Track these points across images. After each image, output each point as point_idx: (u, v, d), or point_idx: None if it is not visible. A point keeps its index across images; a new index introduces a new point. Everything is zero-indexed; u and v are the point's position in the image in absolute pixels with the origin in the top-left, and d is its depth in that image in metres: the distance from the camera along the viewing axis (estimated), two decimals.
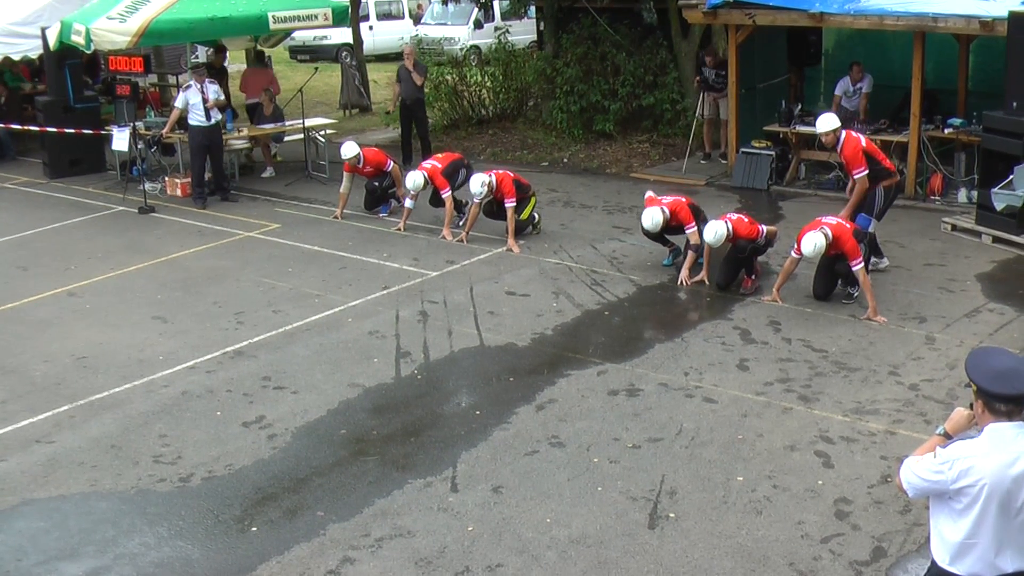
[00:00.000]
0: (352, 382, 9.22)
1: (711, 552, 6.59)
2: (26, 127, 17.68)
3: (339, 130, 19.94)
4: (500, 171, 13.14)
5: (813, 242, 10.21)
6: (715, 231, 10.93)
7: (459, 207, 13.71)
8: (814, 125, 14.79)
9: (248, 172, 17.46)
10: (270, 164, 17.32)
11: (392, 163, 14.60)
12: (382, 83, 23.63)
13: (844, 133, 11.29)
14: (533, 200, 13.33)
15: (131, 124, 16.00)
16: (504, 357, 9.72)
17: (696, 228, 11.40)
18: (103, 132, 16.78)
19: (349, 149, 14.25)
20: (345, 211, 14.42)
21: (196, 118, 15.07)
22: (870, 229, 11.19)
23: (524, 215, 13.16)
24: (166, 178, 16.35)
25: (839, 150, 11.35)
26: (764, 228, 11.25)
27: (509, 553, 6.64)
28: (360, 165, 14.35)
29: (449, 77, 20.68)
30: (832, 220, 10.49)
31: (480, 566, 6.52)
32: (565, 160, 17.72)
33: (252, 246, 13.37)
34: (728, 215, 11.26)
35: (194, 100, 15.02)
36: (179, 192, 15.93)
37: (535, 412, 8.55)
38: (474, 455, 7.88)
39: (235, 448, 8.11)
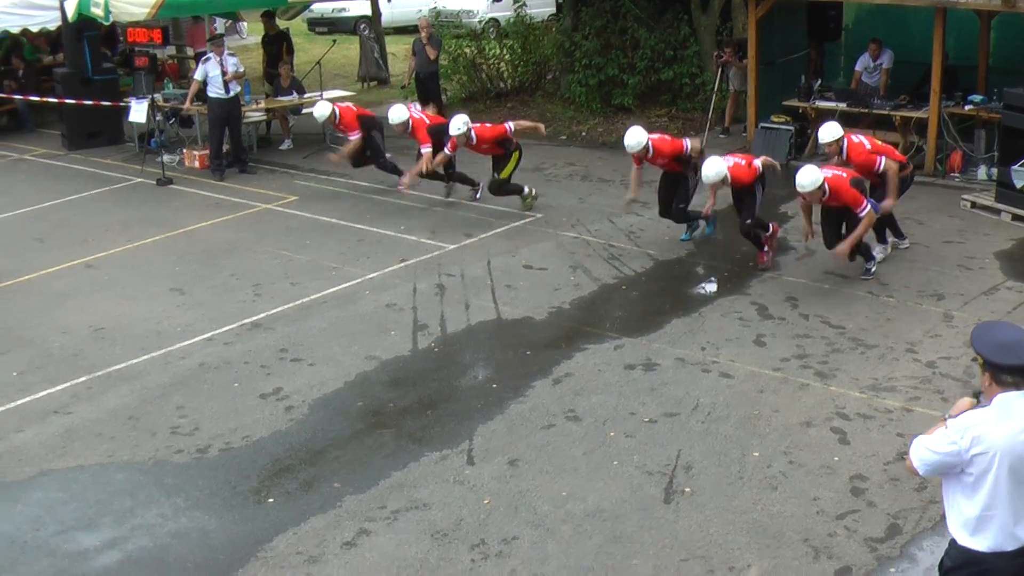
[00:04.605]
0: (369, 355, 9.24)
1: (726, 527, 6.60)
2: (44, 99, 17.72)
3: (357, 102, 19.82)
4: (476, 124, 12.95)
5: (807, 175, 10.04)
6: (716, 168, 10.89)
7: (439, 177, 13.60)
8: (833, 101, 14.91)
9: (266, 144, 17.47)
10: (288, 136, 17.31)
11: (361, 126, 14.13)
12: (400, 56, 23.55)
13: (846, 141, 11.03)
14: (515, 155, 12.98)
15: (149, 96, 16.01)
16: (521, 331, 9.72)
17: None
18: (121, 104, 16.80)
19: (321, 109, 14.05)
20: (363, 184, 14.37)
21: (215, 90, 15.05)
22: (877, 213, 11.09)
23: (504, 173, 12.93)
24: (184, 150, 16.37)
25: (844, 158, 11.03)
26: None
27: (524, 526, 6.67)
28: (336, 122, 14.15)
29: (467, 50, 20.59)
30: (828, 172, 10.28)
31: (495, 539, 6.54)
32: (583, 134, 17.65)
33: (270, 218, 13.39)
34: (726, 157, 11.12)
35: (213, 72, 14.99)
36: (197, 164, 15.96)
37: (552, 386, 8.57)
38: (490, 428, 7.91)
39: (252, 420, 8.15)
